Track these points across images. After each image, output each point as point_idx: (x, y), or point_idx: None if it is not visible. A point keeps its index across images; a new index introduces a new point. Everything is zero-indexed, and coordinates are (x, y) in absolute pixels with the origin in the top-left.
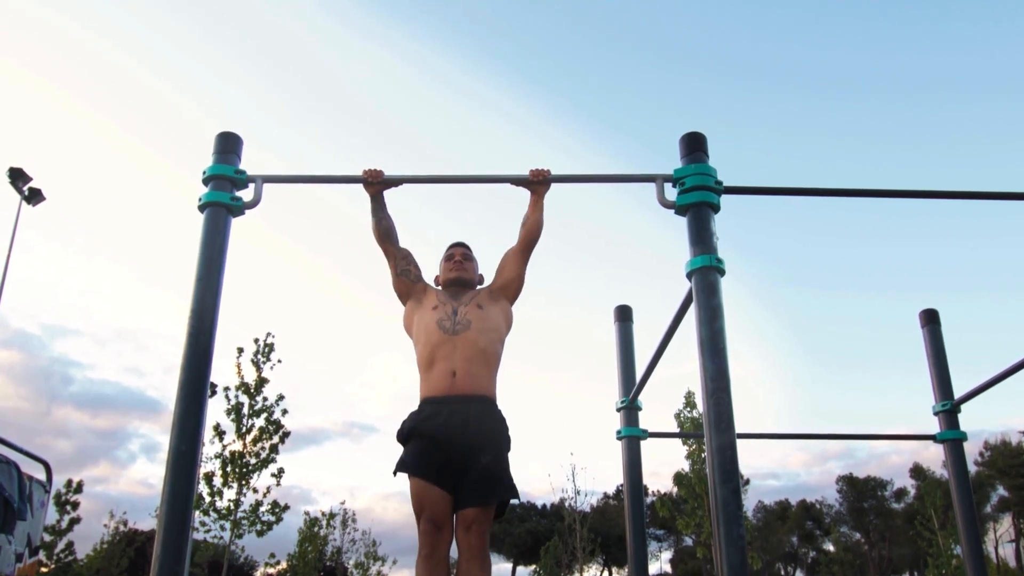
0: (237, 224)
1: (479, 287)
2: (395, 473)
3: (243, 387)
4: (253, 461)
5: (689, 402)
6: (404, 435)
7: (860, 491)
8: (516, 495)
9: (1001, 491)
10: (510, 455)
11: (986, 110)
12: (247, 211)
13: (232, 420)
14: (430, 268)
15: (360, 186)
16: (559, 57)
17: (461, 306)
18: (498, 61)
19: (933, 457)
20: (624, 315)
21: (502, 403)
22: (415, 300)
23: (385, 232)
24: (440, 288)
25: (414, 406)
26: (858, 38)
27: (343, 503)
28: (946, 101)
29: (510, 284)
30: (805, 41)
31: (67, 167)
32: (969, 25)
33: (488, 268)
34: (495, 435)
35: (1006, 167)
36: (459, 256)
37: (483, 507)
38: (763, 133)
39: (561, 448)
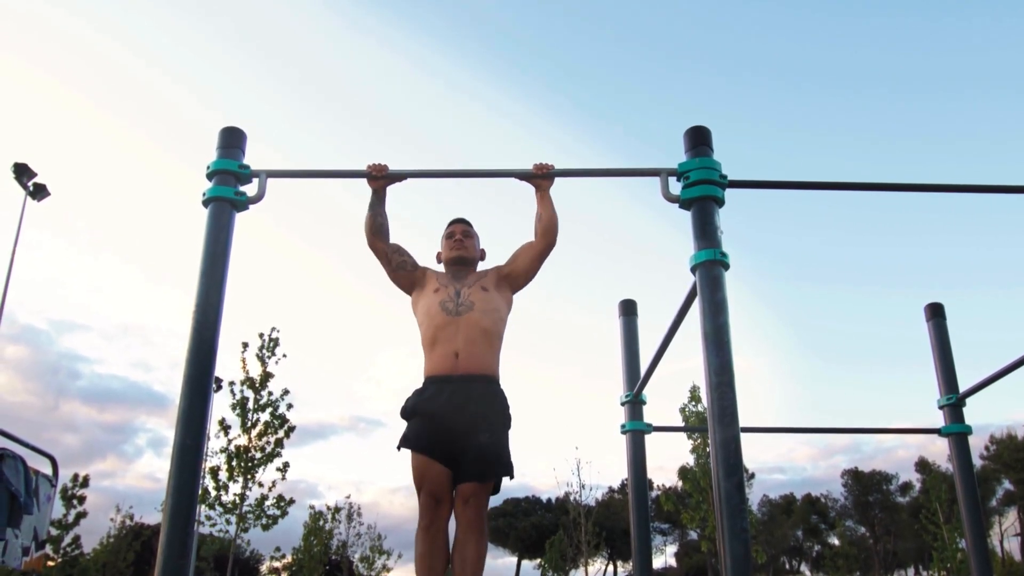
0: (241, 219)
1: (481, 263)
2: (398, 448)
3: (248, 382)
4: (258, 455)
5: (693, 396)
6: (407, 412)
7: (865, 485)
8: (512, 473)
9: (1007, 485)
10: (510, 433)
11: (992, 105)
12: (251, 206)
13: (237, 415)
14: (429, 260)
15: (364, 181)
16: (561, 53)
17: (464, 288)
18: (500, 57)
19: (939, 451)
20: (628, 309)
21: (507, 388)
22: (418, 287)
23: (379, 228)
24: (442, 266)
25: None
26: (863, 33)
27: (348, 497)
28: (951, 96)
29: (519, 277)
30: (809, 35)
31: (71, 163)
32: (973, 21)
33: (493, 253)
34: (495, 414)
35: (1011, 161)
36: (459, 234)
37: (481, 483)
38: (767, 128)
39: (566, 442)
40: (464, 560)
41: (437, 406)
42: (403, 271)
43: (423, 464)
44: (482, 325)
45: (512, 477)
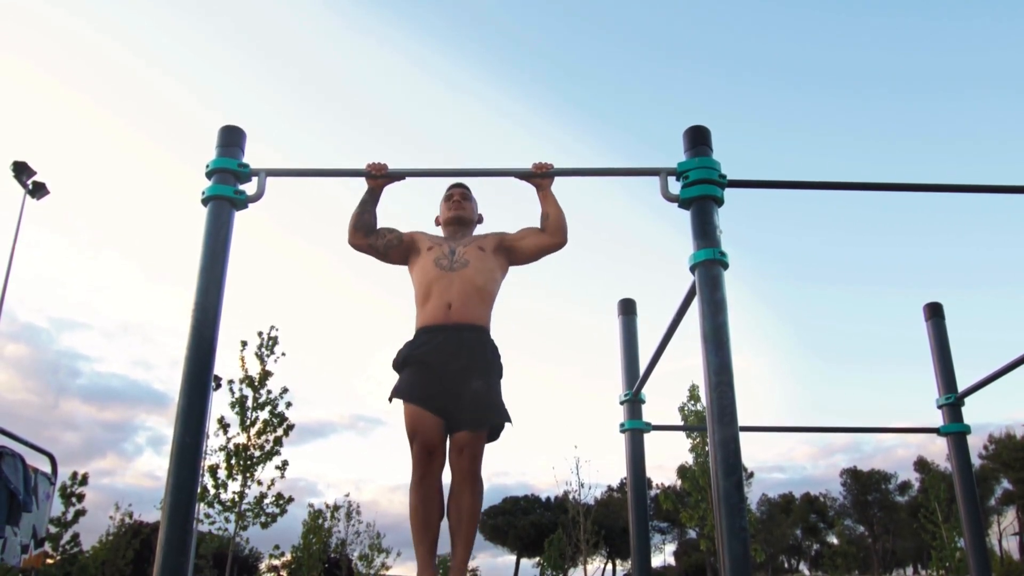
0: (241, 217)
1: (479, 227)
2: (390, 399)
3: (247, 380)
4: (257, 454)
5: (693, 396)
6: (399, 363)
7: (864, 484)
8: (508, 419)
9: (1005, 484)
10: (503, 383)
11: (993, 105)
12: (250, 204)
13: (236, 413)
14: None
15: (363, 180)
16: (561, 53)
17: (460, 246)
18: (499, 57)
19: (938, 450)
20: (628, 309)
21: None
22: (412, 254)
23: (364, 224)
24: (438, 228)
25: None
26: (863, 33)
27: (348, 495)
28: (951, 95)
29: (519, 254)
30: (809, 35)
31: (72, 162)
32: (972, 21)
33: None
34: (488, 361)
35: (1011, 161)
36: (458, 196)
37: (475, 431)
38: (767, 128)
39: (565, 441)
40: (460, 510)
41: (429, 354)
42: (393, 248)
43: (416, 414)
44: (476, 282)
45: (510, 422)
